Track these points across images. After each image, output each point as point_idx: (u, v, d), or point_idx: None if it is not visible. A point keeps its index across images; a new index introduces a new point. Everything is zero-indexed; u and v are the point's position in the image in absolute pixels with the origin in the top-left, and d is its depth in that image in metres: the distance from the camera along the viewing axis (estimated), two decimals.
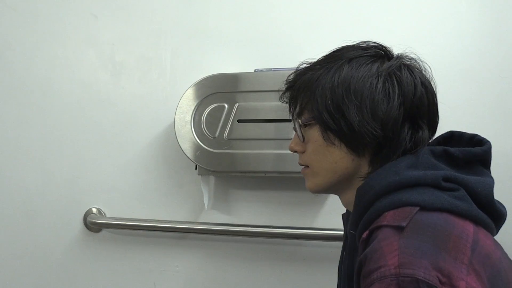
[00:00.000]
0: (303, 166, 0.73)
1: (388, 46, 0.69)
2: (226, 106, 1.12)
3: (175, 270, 1.28)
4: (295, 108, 0.71)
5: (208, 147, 1.12)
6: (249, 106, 1.11)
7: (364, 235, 0.58)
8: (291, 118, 0.73)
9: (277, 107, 1.09)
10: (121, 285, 1.31)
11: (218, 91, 1.12)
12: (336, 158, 0.66)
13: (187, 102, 1.14)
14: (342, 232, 1.08)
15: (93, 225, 1.28)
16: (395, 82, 0.63)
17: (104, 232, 1.31)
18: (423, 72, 0.67)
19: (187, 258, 1.26)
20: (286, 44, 1.21)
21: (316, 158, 0.68)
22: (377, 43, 0.69)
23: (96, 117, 1.30)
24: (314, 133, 0.67)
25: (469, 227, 0.56)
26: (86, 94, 1.31)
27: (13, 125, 1.34)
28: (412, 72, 0.65)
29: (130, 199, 1.29)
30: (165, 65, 1.27)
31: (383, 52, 0.67)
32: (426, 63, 0.68)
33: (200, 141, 1.13)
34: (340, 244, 1.11)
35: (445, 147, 0.64)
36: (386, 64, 0.64)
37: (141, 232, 1.28)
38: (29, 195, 1.34)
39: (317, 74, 0.66)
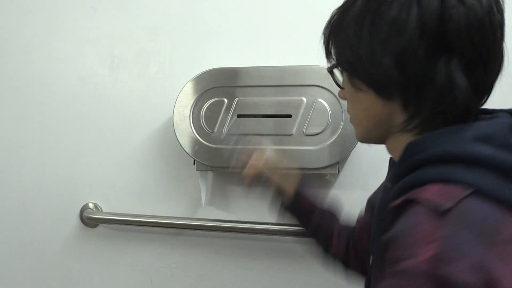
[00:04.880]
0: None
1: None
2: (226, 100, 1.11)
3: (172, 266, 1.27)
4: (330, 58, 0.64)
5: (207, 142, 1.12)
6: (248, 101, 1.10)
7: (399, 201, 0.50)
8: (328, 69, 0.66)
9: (277, 102, 1.09)
10: (117, 281, 1.30)
11: (218, 86, 1.11)
12: (366, 104, 0.59)
13: (186, 97, 1.13)
14: None
15: (89, 220, 1.28)
16: (413, 4, 0.50)
17: (101, 227, 1.31)
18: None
19: (184, 254, 1.26)
20: (287, 39, 1.20)
21: (351, 106, 0.64)
22: None
23: (94, 111, 1.29)
24: (345, 79, 0.62)
25: None
26: (84, 88, 1.30)
27: (10, 119, 1.33)
28: None
29: (127, 194, 1.28)
30: (164, 59, 1.26)
31: None
32: None
33: (198, 136, 1.12)
34: None
35: None
36: None
37: (138, 227, 1.27)
38: (25, 189, 1.33)
39: (338, 16, 0.59)
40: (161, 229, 1.26)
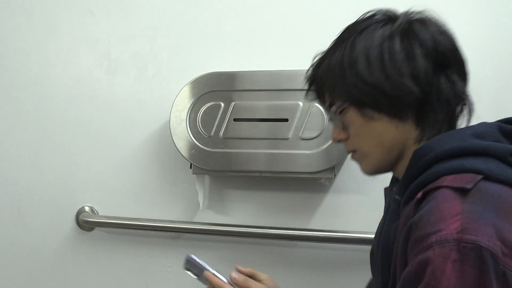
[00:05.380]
0: (351, 153, 0.71)
1: (391, 8, 0.67)
2: (222, 104, 1.11)
3: (168, 270, 1.26)
4: (324, 101, 0.70)
5: (204, 145, 1.12)
6: (245, 105, 1.10)
7: (419, 195, 0.55)
8: (325, 111, 0.72)
9: (274, 106, 1.09)
10: (113, 285, 1.30)
11: (214, 90, 1.12)
12: (380, 131, 0.64)
13: (183, 100, 1.13)
14: (338, 234, 1.13)
15: (85, 224, 1.27)
16: (412, 37, 0.62)
17: (97, 231, 1.30)
18: (435, 21, 0.65)
19: (181, 258, 1.18)
20: (283, 43, 1.20)
21: (361, 138, 0.67)
22: (380, 9, 0.67)
23: (91, 114, 1.29)
24: (351, 115, 0.66)
25: None
26: (80, 91, 1.30)
27: (6, 122, 1.33)
28: (425, 24, 0.63)
29: (124, 197, 1.28)
30: (161, 63, 1.26)
31: (389, 15, 0.66)
32: (435, 12, 0.66)
33: (195, 139, 1.12)
34: (335, 246, 1.16)
35: None
36: (397, 23, 0.63)
37: (134, 231, 1.27)
38: (21, 193, 1.32)
39: (334, 59, 0.65)
40: (157, 232, 1.26)
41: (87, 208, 1.29)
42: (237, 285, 0.75)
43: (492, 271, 0.46)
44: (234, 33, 1.22)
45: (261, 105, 1.10)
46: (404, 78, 0.60)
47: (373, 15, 0.66)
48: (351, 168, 1.17)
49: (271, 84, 1.09)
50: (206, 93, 1.12)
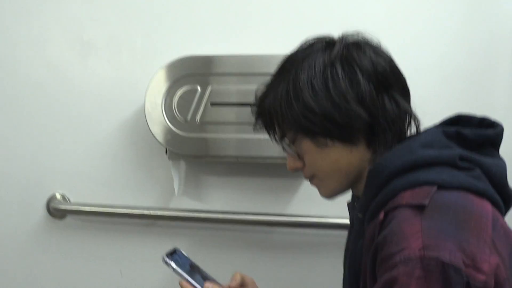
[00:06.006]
0: (309, 178, 0.73)
1: (327, 34, 0.69)
2: (199, 88, 1.09)
3: (143, 259, 1.25)
4: (274, 132, 0.71)
5: (180, 130, 1.10)
6: (222, 89, 1.09)
7: (381, 215, 0.57)
8: (275, 142, 0.73)
9: (251, 90, 1.03)
10: (86, 274, 1.28)
11: (191, 73, 1.10)
12: (335, 157, 0.66)
13: (158, 84, 1.11)
14: (315, 219, 1.14)
15: (56, 212, 1.25)
16: (351, 63, 0.63)
17: (69, 218, 1.27)
18: (370, 43, 0.67)
19: (156, 246, 1.24)
20: (264, 26, 1.18)
21: (317, 165, 0.68)
22: (317, 37, 0.69)
23: (63, 99, 1.25)
24: (305, 144, 0.67)
25: (487, 205, 0.56)
26: (51, 74, 1.25)
27: None
28: (360, 48, 0.65)
29: (97, 184, 1.25)
30: (135, 46, 1.22)
31: (326, 42, 0.67)
32: (367, 33, 0.68)
33: (171, 124, 1.10)
34: (312, 231, 1.17)
35: (458, 128, 0.63)
36: (335, 50, 0.65)
37: (107, 219, 1.25)
38: None
39: (279, 91, 0.66)
40: (132, 220, 1.24)
41: (58, 195, 1.26)
42: None
43: (456, 285, 0.47)
44: (211, 16, 1.19)
45: (239, 90, 1.08)
46: (351, 104, 0.61)
47: (312, 44, 0.68)
48: None
49: (249, 68, 1.08)
50: (182, 76, 1.10)
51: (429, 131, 0.65)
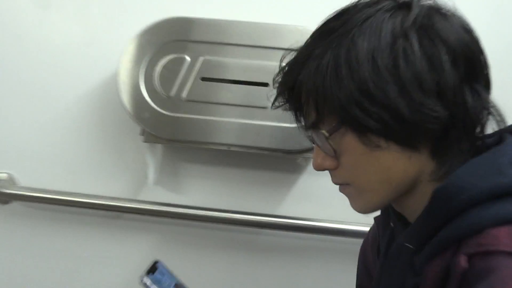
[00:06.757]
0: (339, 184, 0.58)
1: None
2: (188, 58, 0.98)
3: (105, 256, 1.15)
4: (306, 115, 0.55)
5: (160, 108, 0.99)
6: (217, 62, 0.98)
7: (461, 262, 0.43)
8: (304, 129, 0.57)
9: (252, 66, 0.97)
10: (34, 270, 1.17)
11: (179, 39, 0.98)
12: (387, 163, 0.51)
13: (137, 49, 0.98)
14: (309, 222, 1.05)
15: (0, 195, 1.12)
16: (434, 36, 0.48)
17: (15, 204, 1.15)
18: (455, 14, 0.52)
19: (121, 242, 1.15)
20: None
21: (359, 171, 0.53)
22: None
23: (15, 59, 1.11)
24: (347, 140, 0.51)
25: None
26: (3, 30, 1.11)
27: None
28: (446, 17, 0.50)
29: (53, 165, 1.14)
30: None
31: (397, 1, 0.51)
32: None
33: (150, 99, 0.99)
34: (304, 235, 1.09)
35: None
36: (411, 14, 0.48)
37: (63, 207, 1.14)
38: None
39: (325, 60, 0.49)
40: (93, 210, 1.13)
41: (3, 176, 1.14)
42: None
43: None
44: None
45: (237, 64, 0.97)
46: (427, 95, 0.47)
47: (377, 1, 0.51)
48: None
49: (252, 39, 0.97)
50: (168, 42, 0.98)
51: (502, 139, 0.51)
